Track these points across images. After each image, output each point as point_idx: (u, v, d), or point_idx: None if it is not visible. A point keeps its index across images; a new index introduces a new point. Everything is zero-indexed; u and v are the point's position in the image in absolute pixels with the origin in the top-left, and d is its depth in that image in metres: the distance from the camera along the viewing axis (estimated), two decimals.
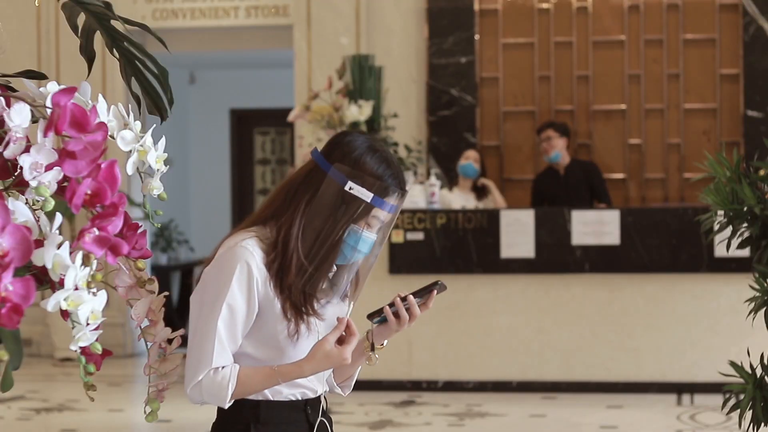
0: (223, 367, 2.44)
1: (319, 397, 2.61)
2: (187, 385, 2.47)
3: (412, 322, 2.57)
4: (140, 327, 2.30)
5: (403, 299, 2.57)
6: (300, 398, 2.55)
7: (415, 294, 2.58)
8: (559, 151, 8.52)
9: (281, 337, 2.48)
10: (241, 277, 2.44)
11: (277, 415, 2.51)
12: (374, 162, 2.50)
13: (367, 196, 2.46)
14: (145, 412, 2.29)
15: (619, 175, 9.17)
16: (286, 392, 2.52)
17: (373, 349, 2.60)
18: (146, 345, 2.31)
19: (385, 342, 2.63)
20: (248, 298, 2.45)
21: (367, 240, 2.50)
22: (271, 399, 2.51)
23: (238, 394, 2.45)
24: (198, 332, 2.46)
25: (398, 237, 7.80)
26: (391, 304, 2.57)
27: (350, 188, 2.46)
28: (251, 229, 2.52)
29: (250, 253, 2.45)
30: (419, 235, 7.79)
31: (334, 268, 2.53)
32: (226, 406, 2.46)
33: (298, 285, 2.47)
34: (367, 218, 2.48)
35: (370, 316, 2.59)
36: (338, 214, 2.47)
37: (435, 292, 2.58)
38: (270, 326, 2.48)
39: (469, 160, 8.46)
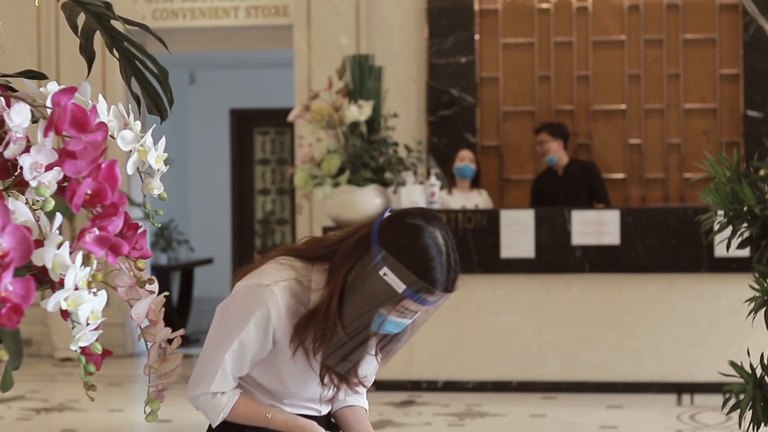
0: (222, 393, 2.49)
1: (323, 417, 2.62)
2: (188, 391, 2.53)
3: None
4: (140, 327, 2.30)
5: None
6: (307, 413, 2.58)
7: None
8: (553, 154, 8.52)
9: (285, 376, 2.51)
10: (259, 321, 2.44)
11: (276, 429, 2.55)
12: (421, 256, 2.35)
13: (399, 287, 2.35)
14: (145, 412, 2.29)
15: (619, 175, 9.17)
16: (288, 411, 2.55)
17: None
18: (146, 345, 2.30)
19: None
20: (263, 341, 2.46)
21: (397, 324, 2.41)
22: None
23: (229, 419, 2.52)
24: (208, 351, 2.50)
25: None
26: None
27: (384, 274, 2.35)
28: (295, 267, 2.45)
29: (275, 301, 2.42)
30: None
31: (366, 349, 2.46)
32: (214, 426, 2.54)
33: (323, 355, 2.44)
34: (396, 307, 2.37)
35: None
36: (369, 296, 2.37)
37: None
38: (278, 364, 2.50)
39: (465, 161, 8.46)
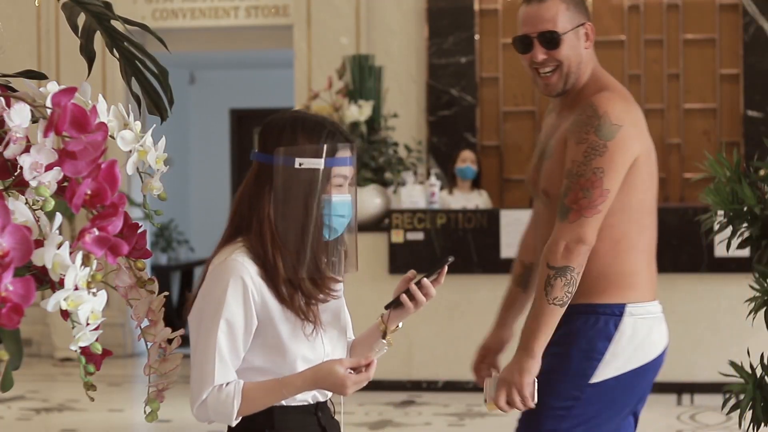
0: (227, 384, 2.40)
1: (327, 401, 2.60)
2: (193, 405, 2.43)
3: (428, 301, 2.58)
4: (140, 327, 2.30)
5: (417, 283, 2.56)
6: (311, 402, 2.53)
7: (428, 275, 2.57)
8: None
9: (287, 341, 2.46)
10: (235, 292, 2.40)
11: (291, 419, 2.49)
12: (308, 129, 2.46)
13: (319, 163, 2.42)
14: (145, 412, 2.29)
15: None
16: (299, 397, 2.50)
17: (384, 336, 2.59)
18: (146, 345, 2.31)
19: (400, 324, 2.62)
20: (245, 312, 2.41)
21: (343, 202, 2.46)
22: (285, 404, 2.48)
23: (244, 411, 2.41)
24: (198, 351, 2.43)
25: (398, 237, 7.80)
26: (406, 291, 2.56)
27: (300, 164, 2.42)
28: (232, 244, 2.47)
29: (241, 265, 2.41)
30: (419, 235, 7.79)
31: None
32: (234, 424, 2.43)
33: (302, 277, 2.44)
34: (331, 182, 2.43)
35: (387, 306, 2.58)
36: (304, 193, 2.42)
37: (446, 267, 2.58)
38: (274, 332, 2.45)
39: (466, 162, 8.47)
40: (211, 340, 2.40)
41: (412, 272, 2.61)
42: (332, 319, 2.55)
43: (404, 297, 2.56)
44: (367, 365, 2.42)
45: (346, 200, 2.47)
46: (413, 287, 2.56)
